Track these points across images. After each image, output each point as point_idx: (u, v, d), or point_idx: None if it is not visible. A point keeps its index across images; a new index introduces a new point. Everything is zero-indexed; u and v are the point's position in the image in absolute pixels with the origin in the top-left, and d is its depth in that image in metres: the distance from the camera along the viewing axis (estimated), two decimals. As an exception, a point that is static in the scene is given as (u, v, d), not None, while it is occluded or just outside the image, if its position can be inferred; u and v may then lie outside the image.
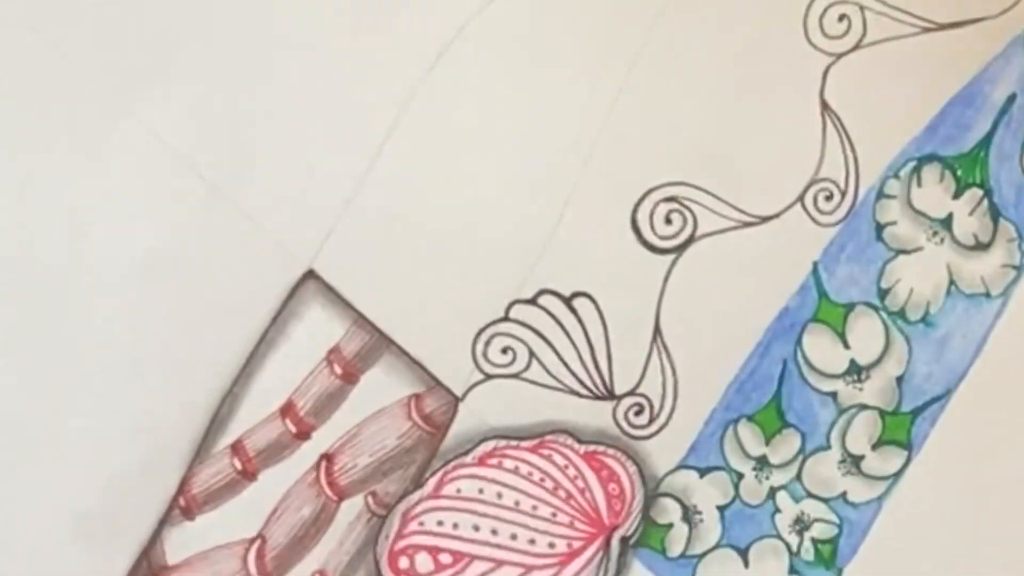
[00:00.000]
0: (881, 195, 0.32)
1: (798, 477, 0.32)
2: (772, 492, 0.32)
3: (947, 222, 0.32)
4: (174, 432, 0.32)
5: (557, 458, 0.32)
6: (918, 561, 0.31)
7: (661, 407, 0.32)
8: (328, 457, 0.32)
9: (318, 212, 0.32)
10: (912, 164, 0.32)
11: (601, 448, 0.32)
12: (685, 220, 0.31)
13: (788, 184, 0.32)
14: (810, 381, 0.31)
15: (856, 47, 0.33)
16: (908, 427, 0.32)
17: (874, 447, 0.32)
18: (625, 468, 0.32)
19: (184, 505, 0.32)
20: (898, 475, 0.32)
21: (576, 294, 0.31)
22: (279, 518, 0.32)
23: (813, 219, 0.32)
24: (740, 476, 0.32)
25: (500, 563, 0.32)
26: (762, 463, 0.32)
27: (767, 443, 0.32)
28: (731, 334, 0.31)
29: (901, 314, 0.31)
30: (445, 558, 0.32)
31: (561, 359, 0.32)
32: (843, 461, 0.32)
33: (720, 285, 0.31)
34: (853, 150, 0.32)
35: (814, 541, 0.31)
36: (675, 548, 0.32)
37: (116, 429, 0.32)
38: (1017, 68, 0.33)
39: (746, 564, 0.32)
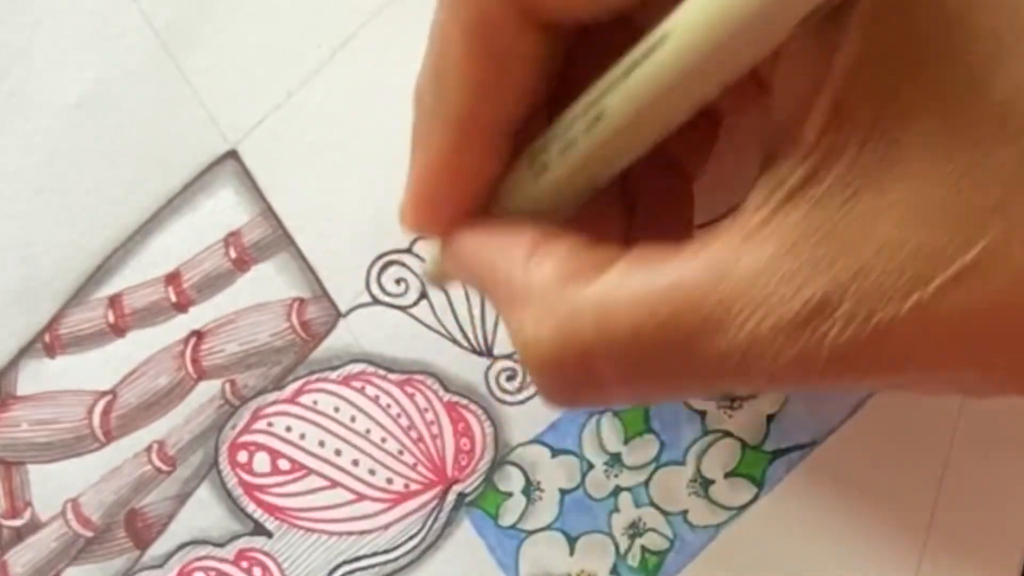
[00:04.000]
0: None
1: (646, 484, 0.32)
2: (617, 491, 0.32)
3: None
4: (57, 269, 0.32)
5: (419, 399, 0.32)
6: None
7: (533, 379, 0.31)
8: (199, 335, 0.32)
9: (257, 96, 0.32)
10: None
11: (464, 401, 0.32)
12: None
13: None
14: (684, 396, 0.31)
15: None
16: (765, 466, 0.32)
17: (727, 475, 0.32)
18: (482, 427, 0.32)
19: (48, 342, 0.32)
20: (743, 508, 0.32)
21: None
22: (135, 380, 0.32)
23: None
24: (591, 466, 0.32)
25: (335, 484, 0.32)
26: (615, 460, 0.32)
27: (626, 442, 0.32)
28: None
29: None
30: (284, 464, 0.32)
31: (450, 305, 0.32)
32: (694, 480, 0.32)
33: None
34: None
35: (643, 549, 0.32)
36: (508, 518, 0.32)
37: (1, 251, 0.32)
38: None
39: (571, 552, 0.32)
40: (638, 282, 0.21)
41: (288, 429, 0.32)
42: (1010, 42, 0.19)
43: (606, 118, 0.22)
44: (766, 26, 0.19)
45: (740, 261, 0.20)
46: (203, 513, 0.32)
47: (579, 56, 0.24)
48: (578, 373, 0.22)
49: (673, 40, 0.20)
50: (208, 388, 0.32)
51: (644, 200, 0.28)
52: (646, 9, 0.22)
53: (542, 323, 0.22)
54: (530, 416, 0.32)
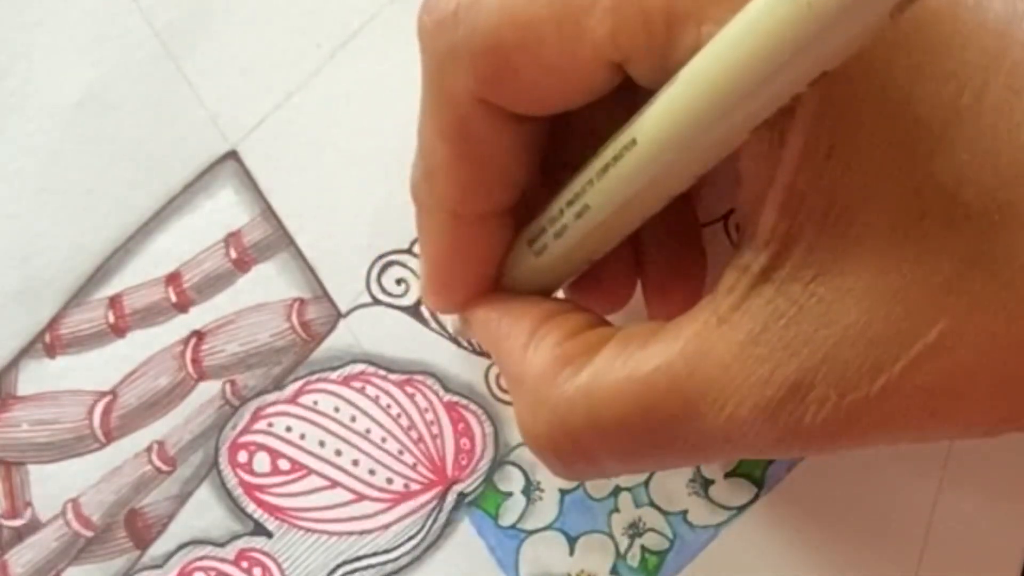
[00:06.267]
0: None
1: (646, 484, 0.32)
2: (617, 491, 0.32)
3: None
4: (58, 269, 0.32)
5: (420, 399, 0.32)
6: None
7: (533, 379, 0.31)
8: (199, 335, 0.32)
9: (257, 96, 0.32)
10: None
11: (464, 401, 0.32)
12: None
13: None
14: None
15: None
16: (765, 466, 0.32)
17: (727, 476, 0.32)
18: (482, 427, 0.32)
19: (48, 342, 0.32)
20: (742, 509, 0.32)
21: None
22: (135, 380, 0.32)
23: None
24: (590, 466, 0.32)
25: (335, 484, 0.32)
26: (615, 460, 0.32)
27: (625, 442, 0.32)
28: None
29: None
30: (284, 464, 0.32)
31: (450, 305, 0.32)
32: (693, 481, 0.32)
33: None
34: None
35: (643, 549, 0.32)
36: (508, 518, 0.32)
37: (2, 251, 0.32)
38: None
39: (571, 552, 0.32)
40: (622, 370, 0.22)
41: (288, 429, 0.32)
42: (952, 127, 0.20)
43: (590, 211, 0.23)
44: (725, 132, 0.20)
45: (714, 348, 0.21)
46: (203, 513, 0.32)
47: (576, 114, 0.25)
48: (573, 454, 0.24)
49: (641, 144, 0.21)
50: (208, 388, 0.32)
51: (653, 242, 0.28)
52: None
53: (537, 412, 0.24)
54: (530, 416, 0.32)
